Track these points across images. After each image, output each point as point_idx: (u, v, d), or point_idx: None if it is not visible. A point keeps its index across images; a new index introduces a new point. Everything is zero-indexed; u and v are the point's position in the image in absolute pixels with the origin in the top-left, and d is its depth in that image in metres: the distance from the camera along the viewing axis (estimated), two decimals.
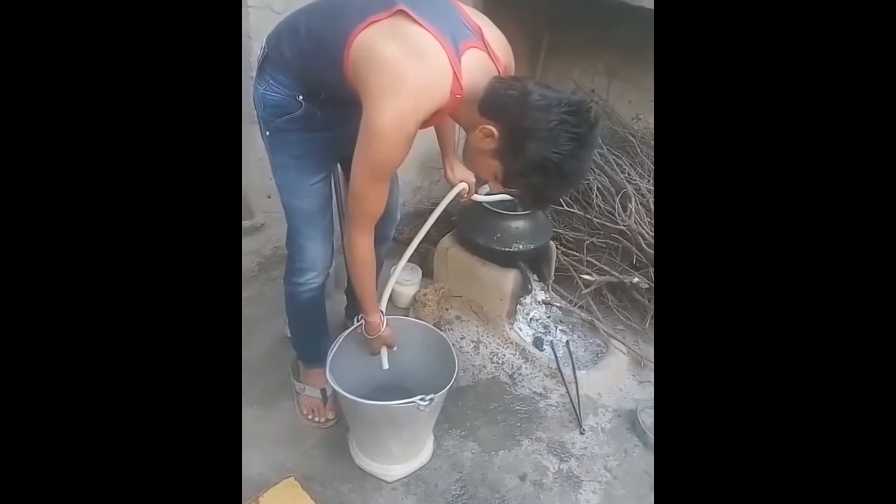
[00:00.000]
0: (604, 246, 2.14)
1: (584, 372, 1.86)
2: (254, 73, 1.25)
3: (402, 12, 1.01)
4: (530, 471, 1.56)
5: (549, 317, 2.09)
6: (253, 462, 1.46)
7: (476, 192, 1.59)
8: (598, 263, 2.10)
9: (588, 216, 2.15)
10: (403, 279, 2.04)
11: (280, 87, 1.19)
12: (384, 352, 1.45)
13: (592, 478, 1.57)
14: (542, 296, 2.08)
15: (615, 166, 2.16)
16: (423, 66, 0.99)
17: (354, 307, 1.71)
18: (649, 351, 1.96)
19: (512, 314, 2.00)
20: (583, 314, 2.06)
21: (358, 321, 1.42)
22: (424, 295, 2.03)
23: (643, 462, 1.62)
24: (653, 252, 1.94)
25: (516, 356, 1.94)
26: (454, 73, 1.02)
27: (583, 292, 2.08)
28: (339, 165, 1.44)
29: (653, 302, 2.07)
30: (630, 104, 2.42)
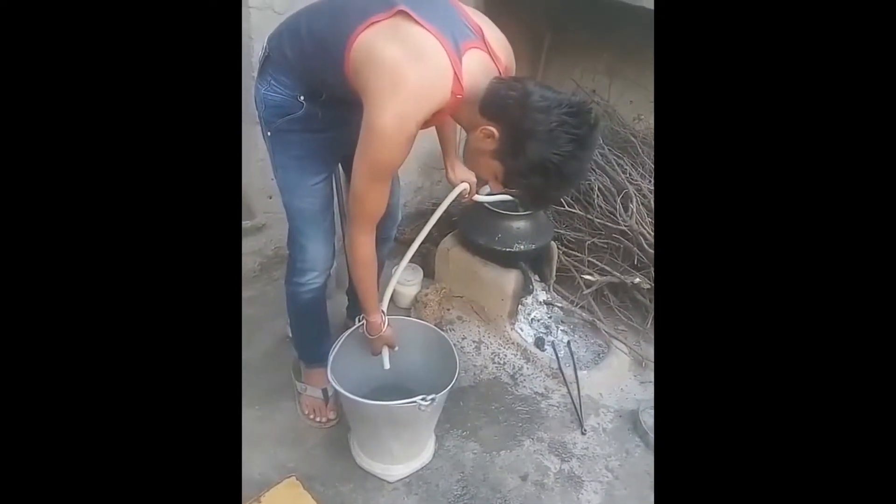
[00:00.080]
0: (605, 246, 2.14)
1: (585, 372, 1.86)
2: (255, 74, 1.25)
3: (402, 13, 1.01)
4: (532, 471, 1.56)
5: (550, 317, 2.08)
6: (254, 462, 1.46)
7: (477, 193, 1.59)
8: (600, 264, 2.10)
9: (589, 216, 2.15)
10: (405, 279, 2.04)
11: (281, 88, 1.19)
12: (385, 352, 1.45)
13: (594, 478, 1.57)
14: (543, 296, 2.08)
15: (616, 167, 2.15)
16: (423, 67, 0.99)
17: (356, 307, 1.70)
18: (650, 351, 1.96)
19: (513, 314, 2.01)
20: (584, 314, 2.06)
21: (359, 321, 1.43)
22: (426, 295, 2.03)
23: (645, 462, 1.62)
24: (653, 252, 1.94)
25: (518, 356, 1.94)
26: (455, 73, 1.02)
27: (584, 292, 2.08)
28: (340, 166, 1.44)
29: (653, 302, 2.07)
30: (631, 104, 2.42)
